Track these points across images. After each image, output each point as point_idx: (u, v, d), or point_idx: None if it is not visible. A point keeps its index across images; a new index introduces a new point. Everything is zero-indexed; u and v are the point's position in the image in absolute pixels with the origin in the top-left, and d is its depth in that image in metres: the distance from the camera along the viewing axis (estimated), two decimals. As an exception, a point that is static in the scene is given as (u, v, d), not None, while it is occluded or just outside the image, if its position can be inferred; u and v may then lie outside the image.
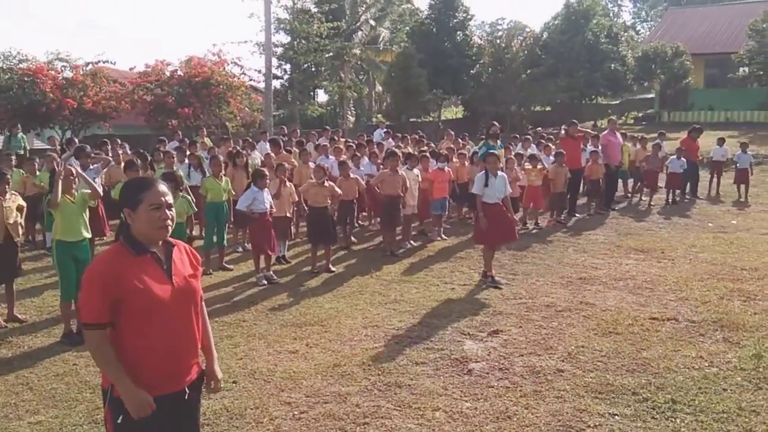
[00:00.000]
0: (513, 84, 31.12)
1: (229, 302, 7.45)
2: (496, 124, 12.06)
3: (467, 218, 12.26)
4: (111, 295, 2.62)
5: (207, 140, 15.65)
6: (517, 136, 15.76)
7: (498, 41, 34.93)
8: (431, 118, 35.37)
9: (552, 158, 12.64)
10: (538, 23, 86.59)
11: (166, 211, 2.73)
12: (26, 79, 20.62)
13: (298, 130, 18.44)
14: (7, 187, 6.79)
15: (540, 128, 24.55)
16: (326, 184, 8.97)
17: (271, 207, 8.34)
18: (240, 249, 10.21)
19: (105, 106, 22.03)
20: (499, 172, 8.26)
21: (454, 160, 12.02)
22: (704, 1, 53.78)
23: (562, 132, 14.16)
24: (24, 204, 7.05)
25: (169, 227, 2.75)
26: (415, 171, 10.51)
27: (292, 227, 10.02)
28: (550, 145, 13.83)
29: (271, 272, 8.40)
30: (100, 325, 2.63)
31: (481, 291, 7.71)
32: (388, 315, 6.87)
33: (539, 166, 11.88)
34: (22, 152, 14.73)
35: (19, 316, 6.79)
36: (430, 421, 4.46)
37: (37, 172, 10.17)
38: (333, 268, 8.85)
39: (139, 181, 2.92)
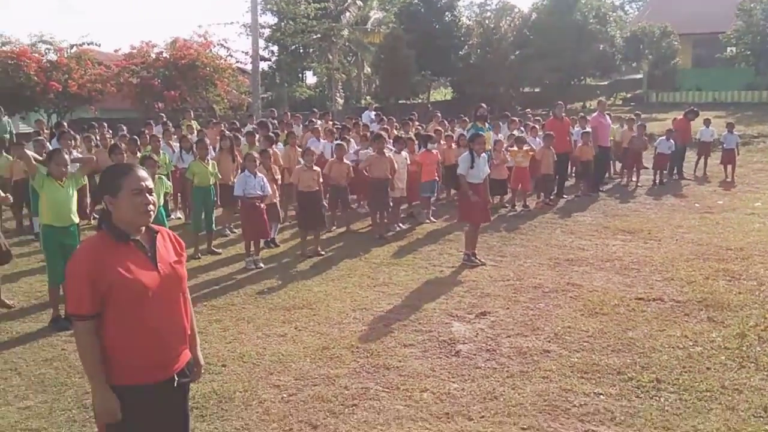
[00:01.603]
0: (502, 65, 31.03)
1: (217, 286, 7.45)
2: (484, 106, 12.02)
3: (456, 200, 12.26)
4: (96, 286, 2.57)
5: (194, 123, 15.54)
6: (508, 114, 15.78)
7: (486, 22, 34.74)
8: (420, 100, 35.26)
9: (538, 140, 12.69)
10: (526, 3, 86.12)
11: (147, 195, 2.69)
12: (10, 62, 20.42)
13: (288, 113, 18.32)
14: None
15: (529, 109, 24.54)
16: (315, 168, 8.94)
17: (263, 191, 8.32)
18: (227, 232, 10.19)
19: (90, 89, 21.86)
20: (483, 153, 8.28)
21: (441, 142, 12.01)
22: (693, -20, 53.56)
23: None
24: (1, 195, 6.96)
25: (152, 212, 2.70)
26: (403, 154, 10.49)
27: (279, 210, 9.98)
28: (536, 126, 13.85)
29: (260, 257, 8.39)
30: (86, 316, 2.59)
31: (469, 273, 7.74)
32: (376, 298, 6.89)
33: (525, 147, 11.90)
34: (7, 136, 14.55)
35: (7, 302, 6.76)
36: (417, 402, 4.50)
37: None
38: (322, 252, 8.85)
39: (118, 167, 2.85)
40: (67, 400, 4.61)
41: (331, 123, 15.36)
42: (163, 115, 17.41)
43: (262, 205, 8.38)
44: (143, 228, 2.74)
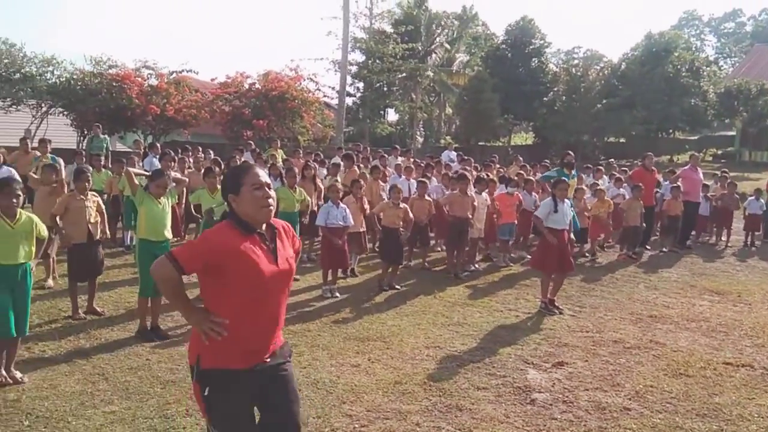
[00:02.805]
0: (587, 113, 30.70)
1: (294, 312, 7.56)
2: (571, 153, 11.83)
3: (534, 245, 12.07)
4: (209, 259, 2.77)
5: (279, 152, 16.01)
6: (590, 166, 15.49)
7: (574, 70, 34.53)
8: (501, 143, 35.23)
9: (623, 190, 12.45)
10: (615, 53, 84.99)
11: (267, 190, 2.86)
12: (114, 84, 21.67)
13: (368, 148, 18.64)
14: (87, 185, 7.14)
15: (613, 159, 24.07)
16: (401, 206, 9.06)
17: (344, 222, 8.46)
18: (305, 257, 10.35)
19: (185, 114, 22.90)
20: (566, 200, 8.17)
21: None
22: (794, 38, 51.67)
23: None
24: (102, 205, 7.38)
25: (272, 207, 2.87)
26: (484, 195, 10.45)
27: (363, 241, 10.02)
28: (621, 177, 13.57)
29: (336, 287, 8.50)
30: (180, 267, 2.78)
31: (546, 321, 7.58)
32: (450, 337, 6.84)
33: (606, 198, 11.72)
34: (103, 153, 15.34)
35: (98, 309, 7.10)
36: (490, 448, 4.41)
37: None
38: (398, 286, 8.88)
39: (239, 167, 3.04)
40: (149, 408, 4.78)
41: (411, 160, 15.51)
42: (252, 143, 18.04)
43: (344, 236, 8.50)
44: (264, 225, 2.90)
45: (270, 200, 2.85)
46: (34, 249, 5.25)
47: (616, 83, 33.12)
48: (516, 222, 10.99)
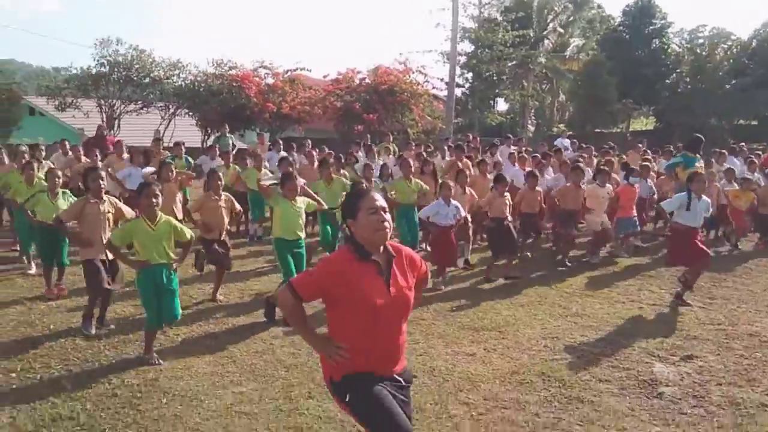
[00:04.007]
0: (714, 95, 28.73)
1: (408, 301, 7.62)
2: (699, 135, 11.00)
3: (661, 235, 11.43)
4: (324, 288, 2.93)
5: (392, 146, 16.12)
6: (716, 150, 14.46)
7: (699, 49, 32.43)
8: (618, 129, 33.72)
9: (757, 175, 11.58)
10: (745, 31, 78.91)
11: (382, 213, 2.93)
12: (234, 84, 22.78)
13: (478, 138, 18.42)
14: (220, 184, 7.53)
15: (744, 143, 22.40)
16: (505, 194, 8.90)
17: (454, 220, 8.41)
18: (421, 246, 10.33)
19: (300, 111, 23.67)
20: (704, 196, 7.64)
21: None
22: None
23: None
24: (239, 209, 7.85)
25: (387, 230, 2.93)
26: (608, 186, 9.95)
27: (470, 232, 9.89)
28: (756, 161, 12.60)
29: (446, 279, 8.44)
30: (298, 296, 2.97)
31: (672, 313, 7.20)
32: (568, 328, 6.66)
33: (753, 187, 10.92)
34: (230, 149, 16.12)
35: (220, 298, 7.47)
36: (614, 441, 4.26)
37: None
38: (517, 274, 8.74)
39: (355, 192, 3.13)
40: (275, 390, 5.00)
41: (524, 149, 15.17)
42: (369, 136, 18.32)
43: (451, 233, 8.44)
44: (381, 248, 2.97)
45: (385, 223, 2.92)
46: (171, 250, 5.57)
47: (747, 62, 30.80)
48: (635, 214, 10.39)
